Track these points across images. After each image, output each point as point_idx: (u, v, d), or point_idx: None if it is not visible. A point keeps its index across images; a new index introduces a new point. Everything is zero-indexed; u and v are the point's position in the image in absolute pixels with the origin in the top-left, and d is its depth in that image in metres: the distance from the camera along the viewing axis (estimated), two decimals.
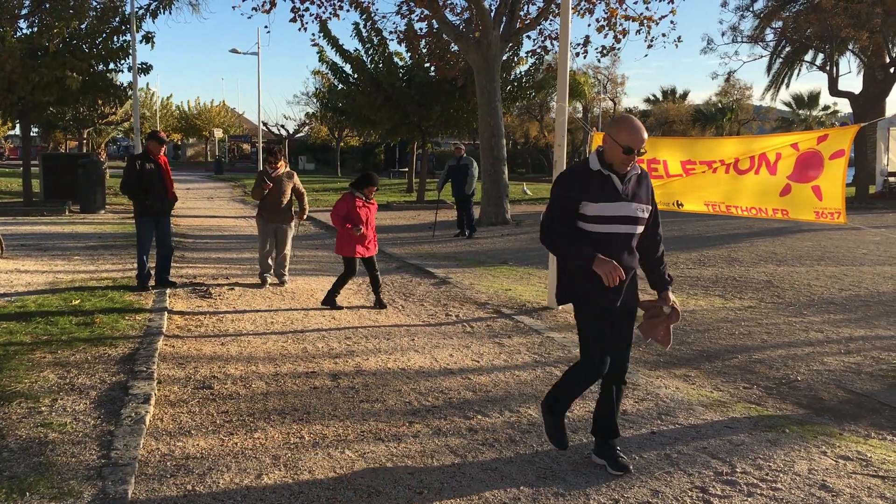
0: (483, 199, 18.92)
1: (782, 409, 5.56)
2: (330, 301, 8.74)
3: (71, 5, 18.64)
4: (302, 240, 15.82)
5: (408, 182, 32.65)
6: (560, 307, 8.77)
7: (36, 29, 19.00)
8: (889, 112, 27.68)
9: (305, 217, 10.38)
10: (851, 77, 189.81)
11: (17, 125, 25.04)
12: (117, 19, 19.85)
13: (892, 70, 24.06)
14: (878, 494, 4.06)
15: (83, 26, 19.43)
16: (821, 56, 26.62)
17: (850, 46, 25.11)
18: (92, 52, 19.55)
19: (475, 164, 16.53)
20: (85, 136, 40.63)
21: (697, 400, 5.65)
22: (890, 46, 23.89)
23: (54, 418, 4.91)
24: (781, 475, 4.29)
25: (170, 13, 20.59)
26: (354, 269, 8.70)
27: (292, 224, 10.11)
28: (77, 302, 8.42)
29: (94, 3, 19.78)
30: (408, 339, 7.38)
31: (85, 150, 38.63)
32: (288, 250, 10.08)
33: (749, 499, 4.00)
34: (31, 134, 27.39)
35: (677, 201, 8.32)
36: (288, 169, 10.21)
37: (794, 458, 4.54)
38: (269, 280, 10.09)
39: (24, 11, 19.27)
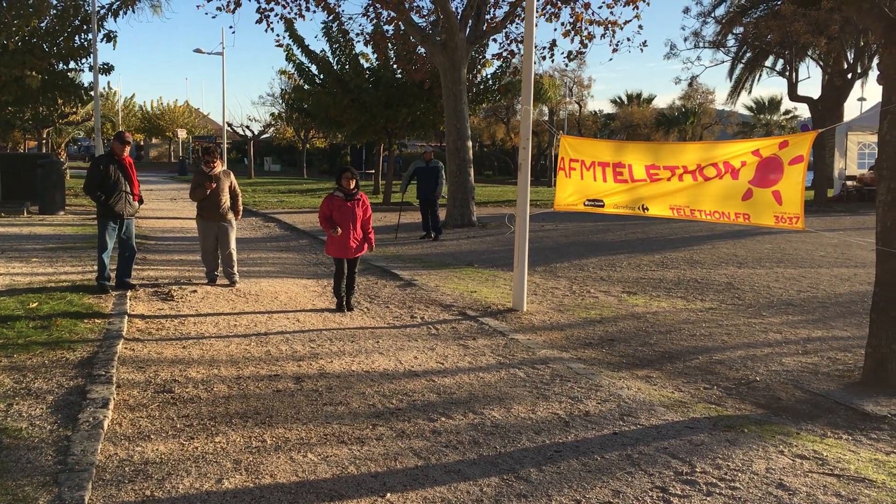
0: (449, 201, 18.92)
1: (741, 410, 5.65)
2: (337, 304, 8.80)
3: (30, 3, 18.29)
4: (267, 241, 15.70)
5: (374, 184, 32.55)
6: (525, 308, 8.82)
7: None
8: (847, 117, 28.22)
9: (240, 217, 10.30)
10: (811, 83, 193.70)
11: None
12: (78, 18, 19.52)
13: (849, 76, 24.54)
14: (833, 493, 4.14)
15: (43, 25, 19.07)
16: (781, 62, 27.07)
17: (809, 52, 25.54)
18: (52, 51, 19.21)
19: (444, 167, 16.59)
20: (44, 136, 39.88)
21: (659, 401, 5.72)
22: (847, 53, 24.36)
23: (10, 423, 4.81)
24: (740, 474, 4.36)
25: (132, 12, 20.23)
26: (342, 269, 8.70)
27: (233, 222, 10.06)
28: (35, 305, 8.26)
29: (55, 2, 19.44)
30: (372, 341, 7.36)
31: (44, 150, 37.92)
32: (233, 249, 10.03)
33: (708, 498, 4.06)
34: None
35: (643, 205, 8.41)
36: (224, 168, 10.19)
37: (753, 457, 4.61)
38: (220, 280, 10.08)
39: None
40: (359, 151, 50.70)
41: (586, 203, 8.87)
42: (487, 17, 19.46)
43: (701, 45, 26.87)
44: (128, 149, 9.30)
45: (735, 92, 31.82)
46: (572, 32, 19.04)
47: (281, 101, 39.61)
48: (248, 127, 48.05)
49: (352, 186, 8.57)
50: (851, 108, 58.95)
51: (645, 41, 23.61)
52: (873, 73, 25.49)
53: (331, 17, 23.98)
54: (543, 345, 7.39)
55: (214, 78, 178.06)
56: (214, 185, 9.72)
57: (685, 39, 55.13)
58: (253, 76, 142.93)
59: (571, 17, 18.84)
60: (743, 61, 29.02)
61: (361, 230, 8.66)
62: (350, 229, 8.51)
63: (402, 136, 30.13)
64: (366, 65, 27.06)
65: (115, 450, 4.49)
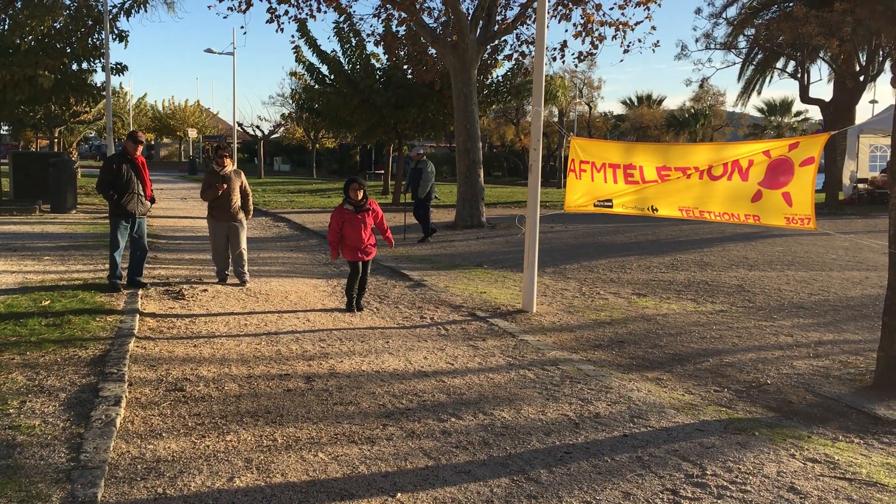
0: (458, 201, 18.94)
1: (752, 412, 5.63)
2: (347, 304, 8.83)
3: (45, 3, 18.37)
4: (277, 241, 15.75)
5: (383, 184, 32.59)
6: (535, 310, 8.81)
7: (7, 26, 18.71)
8: (859, 119, 28.04)
9: (250, 217, 10.35)
10: (822, 85, 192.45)
11: None
12: (91, 18, 19.60)
13: (861, 78, 24.39)
14: (844, 497, 4.13)
15: (56, 24, 19.17)
16: (792, 63, 26.94)
17: (821, 54, 25.42)
18: (65, 51, 19.31)
19: (430, 165, 16.49)
20: (56, 135, 40.04)
21: (669, 403, 5.71)
22: (860, 55, 24.23)
23: (23, 420, 4.85)
24: (751, 477, 4.35)
25: (145, 11, 20.29)
26: (357, 270, 8.75)
27: (244, 221, 10.10)
28: (47, 303, 8.31)
29: (68, 2, 19.52)
30: (382, 341, 7.38)
31: (56, 149, 38.07)
32: (243, 248, 10.07)
33: (719, 501, 4.05)
34: (2, 132, 27.00)
35: (652, 206, 8.40)
36: (235, 167, 10.22)
37: (764, 460, 4.60)
38: (230, 279, 10.12)
39: None
40: (368, 152, 50.75)
41: (596, 204, 8.87)
42: (498, 18, 19.46)
43: (712, 46, 26.78)
44: (140, 148, 9.36)
45: (746, 94, 31.71)
46: (583, 33, 18.99)
47: (291, 102, 39.69)
48: (258, 127, 48.15)
49: (359, 197, 8.61)
50: (863, 111, 58.78)
51: (657, 42, 23.66)
52: (885, 76, 25.41)
53: (342, 18, 24.04)
54: (553, 346, 7.39)
55: (225, 78, 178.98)
56: (225, 186, 9.76)
57: (696, 41, 54.97)
58: (263, 76, 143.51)
59: (582, 18, 18.81)
60: (754, 63, 28.90)
61: (374, 232, 8.76)
62: (362, 230, 8.57)
63: (412, 137, 30.15)
64: (376, 65, 27.10)
65: (128, 447, 4.52)
